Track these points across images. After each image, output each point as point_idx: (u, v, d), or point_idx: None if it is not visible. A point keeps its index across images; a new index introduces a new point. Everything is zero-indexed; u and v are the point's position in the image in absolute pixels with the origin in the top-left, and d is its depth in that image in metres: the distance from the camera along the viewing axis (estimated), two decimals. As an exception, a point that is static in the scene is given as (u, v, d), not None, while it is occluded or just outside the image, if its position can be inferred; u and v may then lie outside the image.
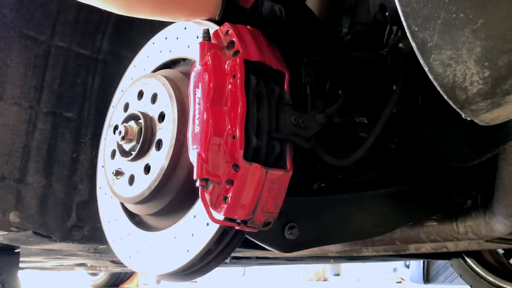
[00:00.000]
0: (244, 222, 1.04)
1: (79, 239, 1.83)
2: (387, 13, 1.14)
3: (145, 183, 1.25)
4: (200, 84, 1.06)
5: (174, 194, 1.23)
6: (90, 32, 1.86)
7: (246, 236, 1.19)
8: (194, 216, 1.17)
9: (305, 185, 1.51)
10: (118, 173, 1.36)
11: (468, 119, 0.70)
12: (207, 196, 1.02)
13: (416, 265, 5.04)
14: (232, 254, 1.29)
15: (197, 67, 1.09)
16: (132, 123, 1.31)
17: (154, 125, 1.28)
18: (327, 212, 1.30)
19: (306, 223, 1.24)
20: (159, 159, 1.23)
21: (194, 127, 1.05)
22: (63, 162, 1.82)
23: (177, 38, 1.36)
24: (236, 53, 1.06)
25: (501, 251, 3.09)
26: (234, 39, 1.08)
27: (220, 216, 1.03)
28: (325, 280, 6.62)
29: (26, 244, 1.97)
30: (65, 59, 1.82)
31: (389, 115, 1.26)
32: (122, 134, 1.30)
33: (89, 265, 3.34)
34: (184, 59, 1.37)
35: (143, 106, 1.33)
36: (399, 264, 5.26)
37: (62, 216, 1.81)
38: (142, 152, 1.28)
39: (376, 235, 1.45)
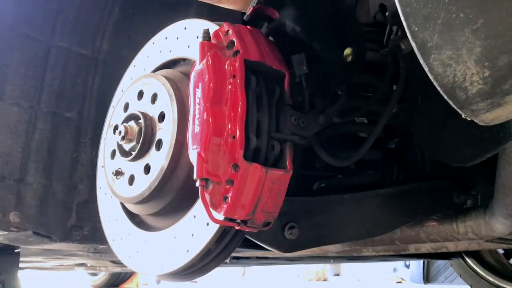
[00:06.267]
0: (244, 222, 1.05)
1: (79, 239, 1.83)
2: (387, 13, 1.14)
3: (145, 183, 1.26)
4: (200, 84, 1.06)
5: (174, 194, 1.23)
6: (90, 32, 1.86)
7: (246, 236, 1.19)
8: (194, 216, 1.17)
9: (305, 185, 1.51)
10: (118, 173, 1.36)
11: (468, 119, 0.70)
12: (207, 196, 1.02)
13: (416, 265, 5.04)
14: (232, 254, 1.29)
15: (197, 67, 1.09)
16: (132, 123, 1.31)
17: (154, 125, 1.28)
18: (327, 212, 1.30)
19: (306, 223, 1.25)
20: (159, 159, 1.23)
21: (194, 127, 1.05)
22: (63, 162, 1.82)
23: (177, 38, 1.36)
24: (236, 53, 1.06)
25: (501, 251, 3.09)
26: (234, 39, 1.08)
27: (220, 216, 1.03)
28: (325, 280, 6.62)
29: (26, 244, 1.97)
30: (65, 59, 1.82)
31: (389, 115, 1.26)
32: (122, 134, 1.30)
33: (89, 265, 3.34)
34: (184, 59, 1.37)
35: (143, 106, 1.33)
36: (399, 264, 5.26)
37: (62, 216, 1.81)
38: (142, 152, 1.28)
39: (376, 235, 1.45)
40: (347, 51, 1.11)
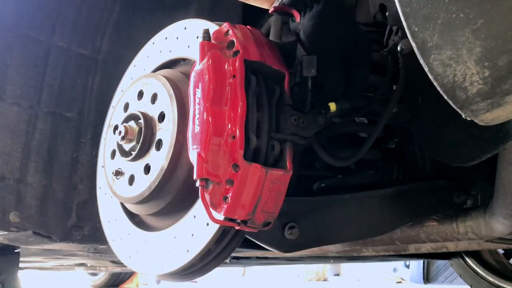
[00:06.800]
0: (244, 222, 1.04)
1: (79, 239, 1.83)
2: (387, 13, 1.14)
3: (145, 183, 1.25)
4: (200, 84, 1.06)
5: (174, 194, 1.23)
6: (90, 32, 1.86)
7: (246, 236, 1.19)
8: (194, 216, 1.17)
9: (305, 185, 1.51)
10: (118, 173, 1.36)
11: (468, 119, 0.70)
12: (207, 196, 1.02)
13: (416, 265, 5.04)
14: (232, 254, 1.29)
15: (197, 67, 1.09)
16: (132, 123, 1.31)
17: (154, 125, 1.28)
18: (327, 212, 1.30)
19: (306, 223, 1.24)
20: (159, 159, 1.23)
21: (194, 127, 1.05)
22: (63, 162, 1.82)
23: (177, 38, 1.36)
24: (236, 53, 1.06)
25: (501, 251, 3.09)
26: (234, 39, 1.08)
27: (220, 216, 1.03)
28: (325, 280, 6.62)
29: (26, 244, 1.97)
30: (65, 59, 1.82)
31: (389, 115, 1.26)
32: (122, 134, 1.30)
33: (89, 265, 3.34)
34: (184, 59, 1.37)
35: (143, 106, 1.33)
36: (399, 264, 5.26)
37: (62, 216, 1.81)
38: (142, 152, 1.28)
39: (376, 235, 1.45)
40: (332, 106, 1.12)
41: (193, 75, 1.09)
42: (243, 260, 2.80)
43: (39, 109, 1.77)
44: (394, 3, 0.70)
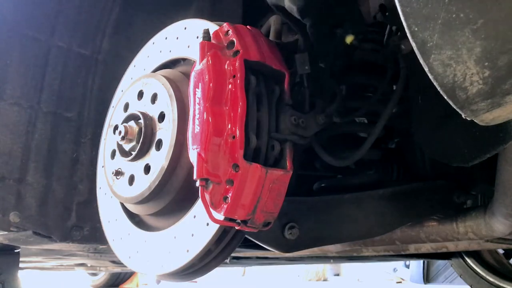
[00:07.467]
0: (244, 222, 1.05)
1: (79, 239, 1.83)
2: (387, 13, 1.14)
3: (145, 183, 1.26)
4: (200, 84, 1.06)
5: (174, 194, 1.23)
6: (90, 32, 1.86)
7: (246, 236, 1.19)
8: (194, 216, 1.17)
9: (305, 185, 1.51)
10: (118, 173, 1.36)
11: (468, 119, 0.70)
12: (207, 196, 1.02)
13: (416, 265, 5.04)
14: (232, 254, 1.29)
15: (197, 67, 1.09)
16: (132, 123, 1.31)
17: (154, 125, 1.28)
18: (327, 212, 1.30)
19: (306, 223, 1.25)
20: (159, 159, 1.23)
21: (194, 127, 1.05)
22: (63, 162, 1.82)
23: (177, 38, 1.36)
24: (236, 53, 1.06)
25: (501, 251, 3.09)
26: (234, 39, 1.08)
27: (220, 216, 1.03)
28: (325, 280, 6.63)
29: (26, 244, 1.97)
30: (65, 59, 1.82)
31: (389, 115, 1.26)
32: (122, 134, 1.30)
33: (89, 265, 3.34)
34: (184, 59, 1.37)
35: (143, 106, 1.33)
36: (399, 264, 5.27)
37: (62, 216, 1.80)
38: (142, 152, 1.28)
39: (376, 235, 1.45)
40: (349, 38, 1.11)
41: (193, 75, 1.09)
42: (243, 260, 2.80)
43: (39, 109, 1.77)
44: (394, 3, 0.70)
